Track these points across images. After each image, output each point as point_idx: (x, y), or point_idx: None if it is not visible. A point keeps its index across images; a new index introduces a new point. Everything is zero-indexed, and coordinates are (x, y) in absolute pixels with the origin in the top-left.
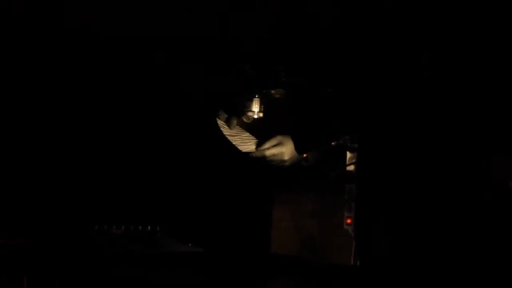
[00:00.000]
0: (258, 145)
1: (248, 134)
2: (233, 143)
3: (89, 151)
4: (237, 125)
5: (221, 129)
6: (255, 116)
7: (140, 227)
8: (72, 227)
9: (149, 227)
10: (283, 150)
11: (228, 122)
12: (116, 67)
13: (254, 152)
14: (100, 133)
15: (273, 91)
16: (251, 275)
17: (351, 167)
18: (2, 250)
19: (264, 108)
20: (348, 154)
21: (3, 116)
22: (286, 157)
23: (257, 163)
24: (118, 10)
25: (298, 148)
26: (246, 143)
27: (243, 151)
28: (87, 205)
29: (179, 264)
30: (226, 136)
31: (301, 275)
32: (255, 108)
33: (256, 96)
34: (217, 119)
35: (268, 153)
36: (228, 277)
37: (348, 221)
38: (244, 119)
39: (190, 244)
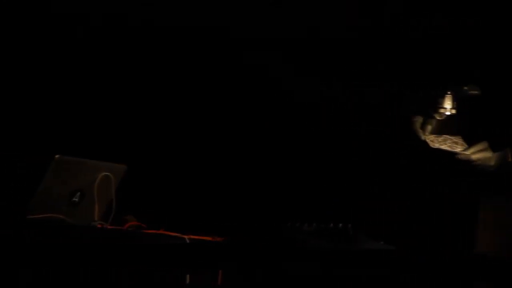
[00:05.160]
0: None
1: (452, 137)
2: (433, 147)
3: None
4: (429, 125)
5: (418, 134)
6: (448, 113)
7: (332, 224)
8: (267, 224)
9: (340, 224)
10: (489, 155)
11: (423, 127)
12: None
13: (460, 155)
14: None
15: (466, 87)
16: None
17: None
18: (202, 247)
19: (456, 105)
20: None
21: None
22: (492, 162)
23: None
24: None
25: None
26: (450, 146)
27: (441, 148)
28: (280, 203)
29: (369, 261)
30: (424, 141)
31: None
32: (448, 105)
33: (449, 92)
34: (412, 123)
35: (475, 157)
36: (420, 276)
37: None
38: (436, 116)
39: (382, 242)
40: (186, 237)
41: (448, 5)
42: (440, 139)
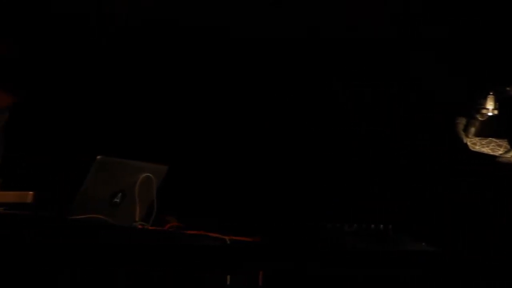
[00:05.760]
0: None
1: (497, 140)
2: (473, 149)
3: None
4: (473, 127)
5: (461, 136)
6: (490, 114)
7: (373, 225)
8: (306, 225)
9: (381, 225)
10: None
11: (466, 129)
12: None
13: (500, 158)
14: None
15: (508, 88)
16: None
17: None
18: (242, 248)
19: (499, 105)
20: None
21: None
22: None
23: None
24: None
25: None
26: (491, 149)
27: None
28: (320, 204)
29: (410, 262)
30: (467, 143)
31: None
32: (490, 106)
33: (491, 93)
34: (455, 125)
35: None
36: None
37: None
38: (478, 117)
39: (423, 243)
40: (226, 238)
41: (488, 5)
42: (484, 141)
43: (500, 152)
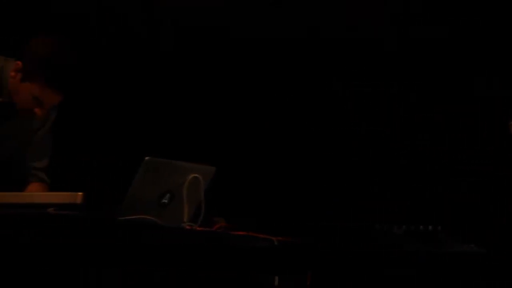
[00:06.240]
0: None
1: None
2: None
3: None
4: None
5: None
6: None
7: (421, 226)
8: (354, 226)
9: (430, 226)
10: None
11: None
12: None
13: None
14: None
15: None
16: None
17: None
18: (291, 248)
19: None
20: None
21: None
22: None
23: None
24: None
25: None
26: None
27: None
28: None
29: (458, 264)
30: None
31: None
32: None
33: None
34: (509, 128)
35: None
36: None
37: None
38: None
39: (472, 245)
40: (274, 238)
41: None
42: None
43: None
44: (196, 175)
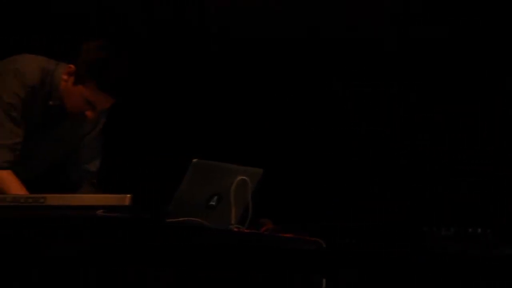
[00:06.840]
0: None
1: None
2: None
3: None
4: None
5: None
6: None
7: (470, 229)
8: (404, 228)
9: (479, 229)
10: None
11: None
12: None
13: None
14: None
15: None
16: None
17: None
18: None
19: None
20: None
21: None
22: None
23: None
24: None
25: None
26: None
27: None
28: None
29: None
30: None
31: None
32: None
33: None
34: None
35: None
36: None
37: None
38: None
39: None
40: (321, 241)
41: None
42: None
43: None
44: (243, 177)
